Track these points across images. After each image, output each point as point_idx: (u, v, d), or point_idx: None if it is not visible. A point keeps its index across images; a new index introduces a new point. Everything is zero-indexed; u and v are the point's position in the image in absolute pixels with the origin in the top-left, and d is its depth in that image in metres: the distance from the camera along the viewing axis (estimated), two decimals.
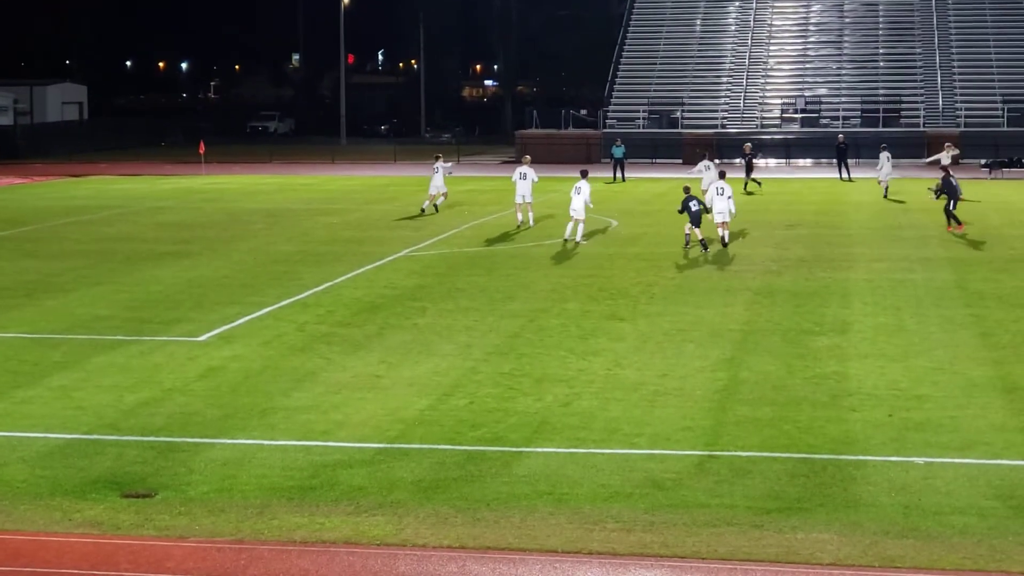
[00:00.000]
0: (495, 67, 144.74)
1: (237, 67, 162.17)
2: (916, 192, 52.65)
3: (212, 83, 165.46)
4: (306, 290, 29.15)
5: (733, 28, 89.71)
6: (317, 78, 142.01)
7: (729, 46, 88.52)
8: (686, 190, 35.98)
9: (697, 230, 35.19)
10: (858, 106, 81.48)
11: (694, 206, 34.98)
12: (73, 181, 67.79)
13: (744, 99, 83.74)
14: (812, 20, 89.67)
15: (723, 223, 35.81)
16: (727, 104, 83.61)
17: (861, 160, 69.42)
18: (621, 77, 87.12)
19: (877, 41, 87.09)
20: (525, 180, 42.04)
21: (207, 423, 17.74)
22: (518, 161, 53.76)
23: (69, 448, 16.52)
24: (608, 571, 12.50)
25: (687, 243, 35.94)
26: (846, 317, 25.52)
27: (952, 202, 40.13)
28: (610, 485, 14.93)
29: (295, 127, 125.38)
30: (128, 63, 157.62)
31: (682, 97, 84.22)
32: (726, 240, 35.94)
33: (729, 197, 35.94)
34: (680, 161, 75.91)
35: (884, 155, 54.31)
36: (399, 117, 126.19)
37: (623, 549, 13.00)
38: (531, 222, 41.94)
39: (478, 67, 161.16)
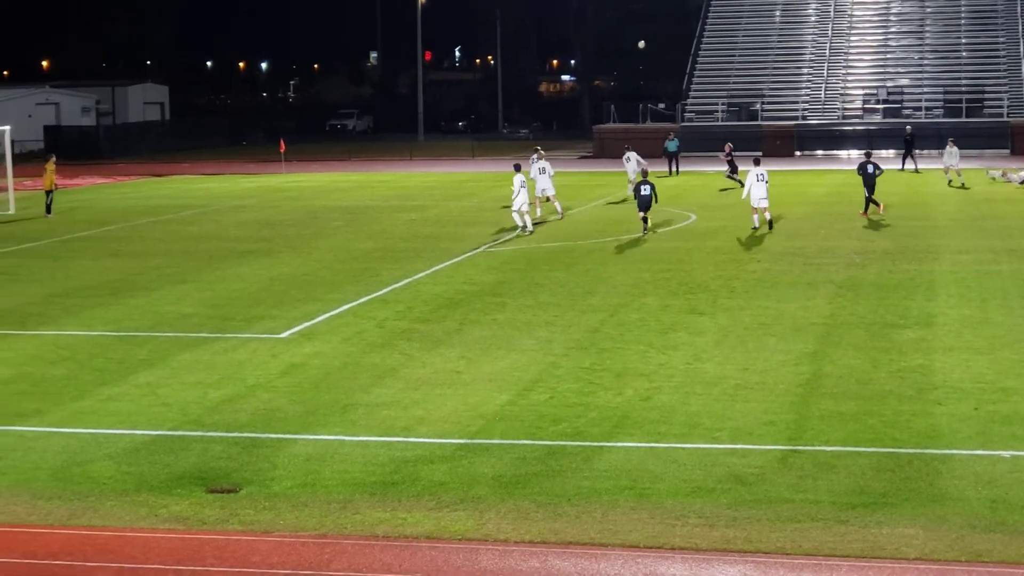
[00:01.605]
0: (572, 62, 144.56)
1: (316, 66, 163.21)
2: (993, 183, 51.95)
3: (292, 82, 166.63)
4: (385, 287, 29.27)
5: (813, 18, 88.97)
6: (395, 76, 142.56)
7: (809, 37, 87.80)
8: (643, 174, 39.64)
9: (643, 213, 37.89)
10: (940, 96, 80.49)
11: (645, 190, 37.68)
12: (156, 181, 68.53)
13: (825, 90, 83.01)
14: (893, 9, 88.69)
15: (764, 208, 38.09)
16: (808, 95, 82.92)
17: (932, 151, 68.53)
18: (699, 70, 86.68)
19: (959, 30, 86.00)
20: (544, 175, 43.33)
21: (290, 419, 17.86)
22: (594, 157, 53.83)
23: (155, 444, 16.70)
24: (691, 566, 12.43)
25: (645, 228, 38.00)
26: (931, 310, 25.21)
27: None
28: (692, 480, 14.85)
29: (373, 125, 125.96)
30: (208, 63, 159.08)
31: (762, 89, 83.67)
32: (758, 222, 38.29)
33: (767, 183, 38.03)
34: (760, 154, 75.32)
35: (952, 147, 54.90)
36: (476, 113, 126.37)
37: (705, 544, 12.92)
38: (560, 213, 43.26)
39: (555, 62, 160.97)
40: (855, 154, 76.20)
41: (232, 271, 32.34)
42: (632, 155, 50.97)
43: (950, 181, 54.14)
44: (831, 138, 78.26)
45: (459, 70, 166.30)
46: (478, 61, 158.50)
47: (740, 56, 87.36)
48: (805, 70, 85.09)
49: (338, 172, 71.78)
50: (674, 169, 64.00)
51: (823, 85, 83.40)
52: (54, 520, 13.91)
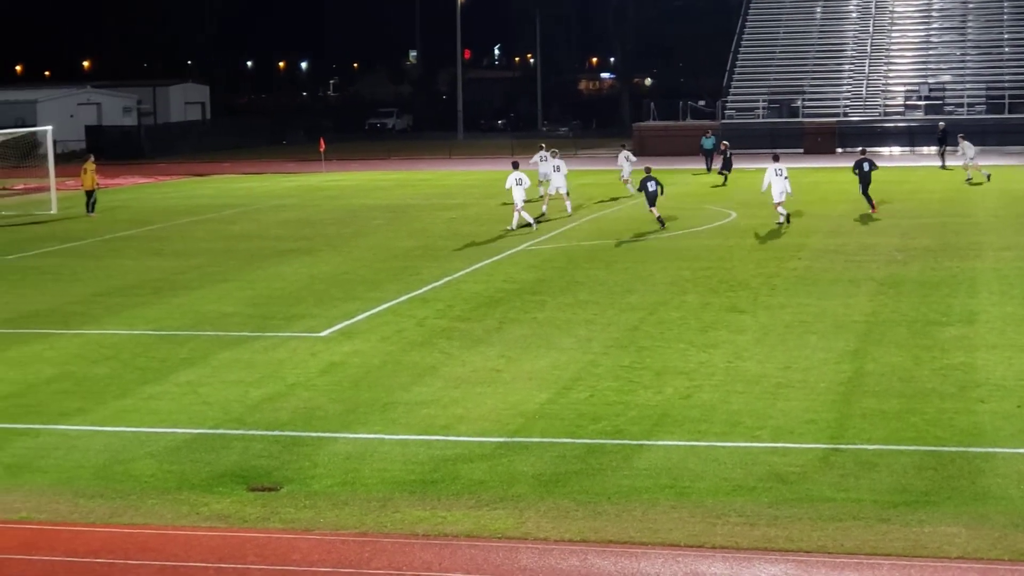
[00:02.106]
0: (612, 60, 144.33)
1: (355, 65, 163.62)
2: None
3: (331, 81, 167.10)
4: (425, 285, 29.30)
5: (854, 14, 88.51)
6: (434, 74, 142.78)
7: (850, 33, 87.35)
8: (647, 170, 40.09)
9: (653, 208, 38.97)
10: (983, 93, 79.93)
11: (651, 186, 38.58)
12: (197, 180, 68.85)
13: (866, 87, 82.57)
14: (935, 5, 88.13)
15: (780, 202, 39.08)
16: (849, 92, 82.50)
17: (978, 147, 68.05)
18: (740, 67, 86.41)
19: (1002, 25, 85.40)
20: (559, 172, 44.19)
21: (330, 417, 17.90)
22: (634, 154, 53.99)
23: (196, 443, 16.77)
24: (731, 565, 12.39)
25: (662, 225, 39.12)
26: (973, 307, 25.04)
27: None
28: (733, 479, 14.79)
29: (413, 123, 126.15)
30: (248, 63, 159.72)
31: (803, 86, 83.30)
32: (783, 217, 39.31)
33: (786, 178, 39.09)
34: (802, 151, 75.09)
35: (965, 143, 55.14)
36: (516, 112, 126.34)
37: (746, 543, 12.87)
38: (569, 210, 44.01)
39: (594, 60, 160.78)
40: (897, 151, 75.95)
41: (272, 270, 32.45)
42: (627, 153, 51.72)
43: (970, 179, 53.53)
44: (873, 135, 77.77)
45: (498, 68, 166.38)
46: (517, 59, 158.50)
47: (781, 52, 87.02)
48: (846, 66, 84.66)
49: (378, 171, 71.94)
50: (713, 167, 63.85)
51: (864, 82, 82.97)
52: (96, 518, 13.99)
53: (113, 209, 49.38)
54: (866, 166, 42.33)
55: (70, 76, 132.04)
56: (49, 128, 55.68)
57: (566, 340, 22.71)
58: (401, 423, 17.53)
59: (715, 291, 27.55)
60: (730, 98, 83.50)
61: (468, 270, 31.54)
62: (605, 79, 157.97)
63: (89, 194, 48.48)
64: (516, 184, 39.61)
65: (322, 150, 72.90)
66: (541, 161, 46.89)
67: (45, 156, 53.90)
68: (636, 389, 19.07)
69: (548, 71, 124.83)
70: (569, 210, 44.09)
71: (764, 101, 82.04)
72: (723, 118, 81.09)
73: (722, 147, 59.00)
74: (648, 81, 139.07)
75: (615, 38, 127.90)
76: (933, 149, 69.40)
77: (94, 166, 49.21)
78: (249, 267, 33.14)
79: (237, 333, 24.09)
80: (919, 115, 79.21)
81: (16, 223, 46.28)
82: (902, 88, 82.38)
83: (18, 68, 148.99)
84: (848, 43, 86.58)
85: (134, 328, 24.88)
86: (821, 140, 76.44)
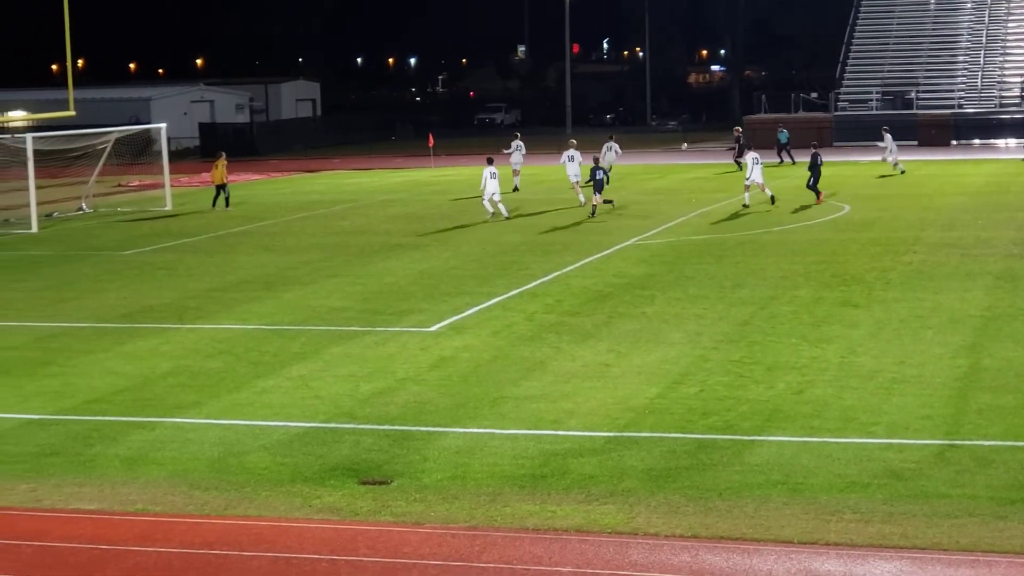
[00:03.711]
0: (722, 52, 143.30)
1: (464, 61, 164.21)
2: None
3: (440, 77, 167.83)
4: (534, 280, 29.31)
5: (969, 5, 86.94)
6: (543, 69, 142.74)
7: (965, 23, 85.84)
8: (595, 160, 43.09)
9: (597, 196, 41.77)
10: None
11: (598, 175, 41.74)
12: (307, 176, 69.49)
13: (981, 78, 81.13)
14: None
15: (756, 184, 43.06)
16: (964, 83, 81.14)
17: None
18: (853, 58, 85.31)
19: None
20: (573, 162, 46.65)
21: (440, 412, 17.96)
22: (745, 147, 53.62)
23: (308, 436, 16.91)
24: (846, 562, 12.23)
25: (593, 212, 41.78)
26: None
27: None
28: (846, 475, 14.61)
29: (521, 118, 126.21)
30: (358, 60, 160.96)
31: (917, 77, 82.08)
32: (746, 201, 42.99)
33: (759, 164, 43.44)
34: (916, 143, 74.01)
35: (887, 136, 57.53)
36: (624, 106, 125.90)
37: (861, 540, 12.71)
38: (581, 200, 45.45)
39: (704, 53, 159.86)
40: (1013, 143, 74.55)
41: (382, 265, 32.66)
42: (613, 145, 51.87)
43: (899, 170, 55.23)
44: (988, 127, 76.46)
45: (607, 62, 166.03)
46: (626, 53, 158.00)
47: (895, 43, 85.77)
48: (961, 57, 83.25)
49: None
50: (787, 160, 63.31)
51: (979, 73, 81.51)
52: (211, 510, 14.17)
53: (220, 205, 49.89)
54: (819, 159, 44.34)
55: (183, 74, 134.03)
56: (163, 125, 56.52)
57: (676, 335, 22.60)
58: (511, 417, 17.54)
59: (828, 285, 27.25)
60: (843, 90, 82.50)
61: (577, 265, 31.50)
62: (715, 72, 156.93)
63: (219, 189, 49.27)
64: (490, 178, 42.45)
65: (431, 145, 73.14)
66: (516, 151, 53.33)
67: (159, 153, 54.72)
68: (747, 384, 18.92)
69: (657, 64, 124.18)
70: (581, 199, 45.54)
71: (877, 93, 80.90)
72: (836, 110, 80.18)
73: (735, 133, 59.15)
74: (762, 73, 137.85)
75: (725, 30, 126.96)
76: None
77: (225, 162, 50.02)
78: (359, 262, 33.38)
79: (347, 328, 24.28)
80: None
81: (132, 219, 47.06)
82: (1018, 79, 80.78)
83: (132, 66, 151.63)
84: (963, 33, 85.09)
85: (247, 323, 25.17)
86: (935, 132, 75.28)
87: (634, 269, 30.54)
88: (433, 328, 23.99)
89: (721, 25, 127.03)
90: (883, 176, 54.15)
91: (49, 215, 47.95)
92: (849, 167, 61.53)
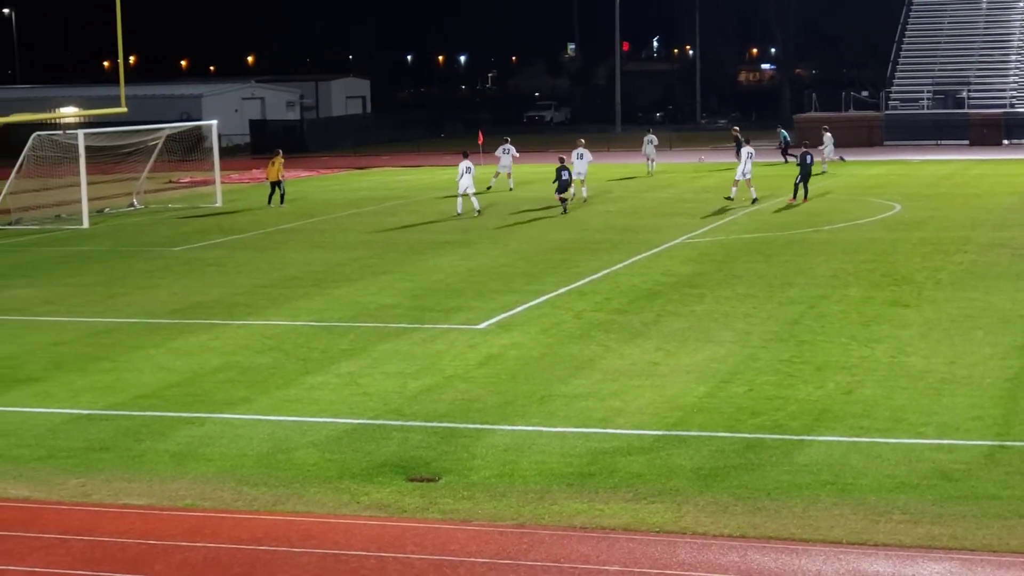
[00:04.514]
0: (772, 50, 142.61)
1: (514, 58, 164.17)
2: None
3: (490, 75, 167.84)
4: (583, 278, 29.29)
5: (1021, 3, 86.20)
6: (592, 67, 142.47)
7: (1017, 22, 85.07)
8: (560, 160, 44.39)
9: (559, 195, 43.44)
10: None
11: (564, 175, 43.24)
12: (357, 173, 69.70)
13: None
14: None
15: (748, 180, 44.61)
16: (1016, 82, 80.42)
17: None
18: (904, 57, 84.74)
19: None
20: (582, 160, 48.14)
21: (488, 409, 17.97)
22: (795, 146, 53.58)
23: (356, 433, 16.96)
24: (895, 563, 12.16)
25: (564, 209, 43.37)
26: None
27: None
28: (896, 475, 14.52)
29: (571, 116, 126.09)
30: (408, 57, 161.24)
31: (968, 76, 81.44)
32: (752, 196, 44.65)
33: (751, 158, 45.35)
34: (967, 142, 73.45)
35: (827, 136, 60.41)
36: (674, 104, 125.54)
37: (910, 541, 12.63)
38: (584, 196, 47.42)
39: (754, 51, 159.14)
40: None
41: (431, 262, 32.72)
42: (584, 152, 50.18)
43: (824, 171, 56.95)
44: None
45: (657, 60, 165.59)
46: (676, 51, 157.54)
47: (946, 42, 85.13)
48: (1013, 56, 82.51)
49: (535, 164, 72.02)
50: (790, 159, 63.49)
51: None
52: (259, 506, 14.23)
53: (275, 202, 50.11)
54: (808, 159, 45.06)
55: (235, 71, 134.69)
56: (214, 122, 56.85)
57: (724, 333, 22.53)
58: (559, 415, 17.54)
59: (878, 285, 27.09)
60: (893, 89, 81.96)
61: (626, 263, 31.45)
62: (765, 70, 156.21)
63: (273, 186, 49.55)
64: (466, 172, 43.69)
65: (480, 143, 73.19)
66: (503, 154, 53.90)
67: (210, 150, 55.05)
68: (796, 383, 18.84)
69: (707, 62, 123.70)
70: (584, 195, 47.55)
71: (928, 92, 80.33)
72: (886, 109, 79.67)
73: (732, 132, 59.74)
74: (812, 72, 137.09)
75: (776, 28, 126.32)
76: None
77: (282, 160, 50.36)
78: (408, 259, 33.45)
79: (396, 325, 24.33)
80: None
81: (182, 215, 47.35)
82: None
83: (184, 63, 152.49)
84: (1015, 32, 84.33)
85: (296, 319, 25.27)
86: (987, 132, 74.67)
87: (683, 267, 30.46)
88: (482, 325, 24.01)
89: (772, 23, 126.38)
90: (940, 177, 53.69)
91: (101, 211, 48.34)
92: (900, 166, 61.16)
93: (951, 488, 14.05)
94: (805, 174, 44.61)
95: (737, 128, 65.02)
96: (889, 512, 13.40)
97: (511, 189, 53.05)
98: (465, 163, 44.03)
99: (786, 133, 66.74)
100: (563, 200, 43.69)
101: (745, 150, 45.89)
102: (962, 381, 18.68)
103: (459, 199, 44.21)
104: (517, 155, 55.34)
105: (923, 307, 24.54)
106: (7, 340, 23.89)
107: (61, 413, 18.45)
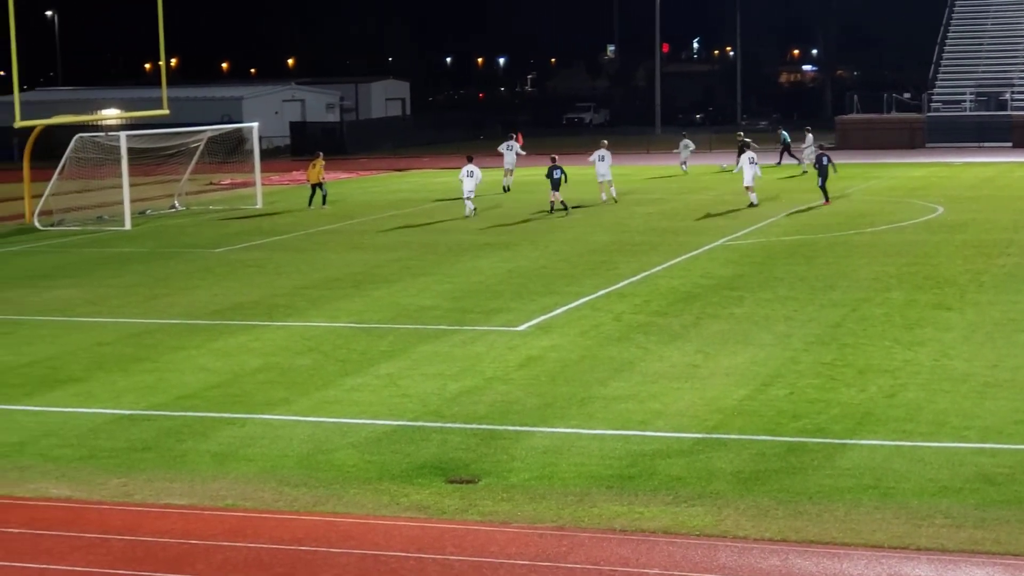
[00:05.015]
0: (814, 52, 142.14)
1: (552, 60, 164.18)
2: None
3: (528, 76, 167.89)
4: (622, 280, 29.23)
5: None
6: (632, 68, 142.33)
7: None
8: (552, 159, 45.01)
9: (555, 193, 44.27)
10: None
11: (556, 174, 44.00)
12: (397, 175, 69.81)
13: None
14: None
15: (749, 187, 44.77)
16: None
17: None
18: (946, 58, 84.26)
19: None
20: (604, 162, 48.34)
21: (527, 411, 17.95)
22: (837, 148, 53.41)
23: (396, 434, 16.97)
24: (937, 568, 12.06)
25: (551, 208, 44.41)
26: None
27: None
28: (938, 479, 14.41)
29: (610, 118, 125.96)
30: (447, 59, 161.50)
31: (1011, 78, 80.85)
32: (754, 202, 44.67)
33: (755, 164, 45.36)
34: (1010, 144, 72.95)
35: (809, 136, 61.35)
36: (714, 105, 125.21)
37: (952, 546, 12.53)
38: (614, 195, 48.15)
39: (795, 52, 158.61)
40: None
41: (471, 264, 32.72)
42: (605, 153, 49.94)
43: (804, 172, 58.28)
44: None
45: (697, 61, 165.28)
46: (716, 52, 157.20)
47: (989, 44, 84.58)
48: None
49: (574, 165, 71.94)
50: (794, 160, 63.60)
51: None
52: (300, 507, 14.25)
53: (316, 203, 50.27)
54: (824, 160, 45.12)
55: (275, 74, 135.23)
56: (255, 124, 57.06)
57: (765, 336, 22.43)
58: (598, 418, 17.50)
59: (920, 288, 26.93)
60: (936, 90, 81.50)
61: (665, 265, 31.38)
62: (807, 71, 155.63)
63: (314, 188, 49.76)
64: (467, 176, 44.43)
65: (520, 144, 73.19)
66: (507, 151, 55.44)
67: (251, 152, 55.27)
68: (838, 387, 18.73)
69: (748, 64, 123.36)
70: (614, 196, 48.17)
71: (971, 93, 79.82)
72: (929, 111, 79.22)
73: (737, 138, 59.97)
74: (854, 73, 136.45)
75: (817, 29, 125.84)
76: None
77: (323, 163, 50.62)
78: (447, 261, 33.47)
79: (436, 326, 24.34)
80: None
81: (223, 217, 47.53)
82: None
83: (224, 66, 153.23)
84: None
85: (336, 320, 25.32)
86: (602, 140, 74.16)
87: (722, 270, 30.36)
88: (521, 327, 23.99)
89: (813, 24, 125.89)
90: (983, 179, 53.36)
91: (142, 212, 48.59)
92: (942, 168, 60.80)
93: (994, 492, 13.93)
94: (824, 176, 44.92)
95: (741, 134, 65.15)
96: (932, 516, 13.30)
97: (506, 189, 54.20)
98: (467, 167, 44.82)
99: (786, 134, 66.81)
100: (561, 202, 44.38)
101: (745, 156, 46.01)
102: (1005, 384, 18.53)
103: (466, 202, 44.78)
104: (522, 152, 56.06)
105: (966, 310, 24.37)
106: (50, 340, 24.05)
107: (103, 413, 18.55)
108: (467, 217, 44.00)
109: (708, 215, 42.62)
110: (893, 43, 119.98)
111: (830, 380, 19.13)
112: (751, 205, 44.39)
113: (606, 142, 50.54)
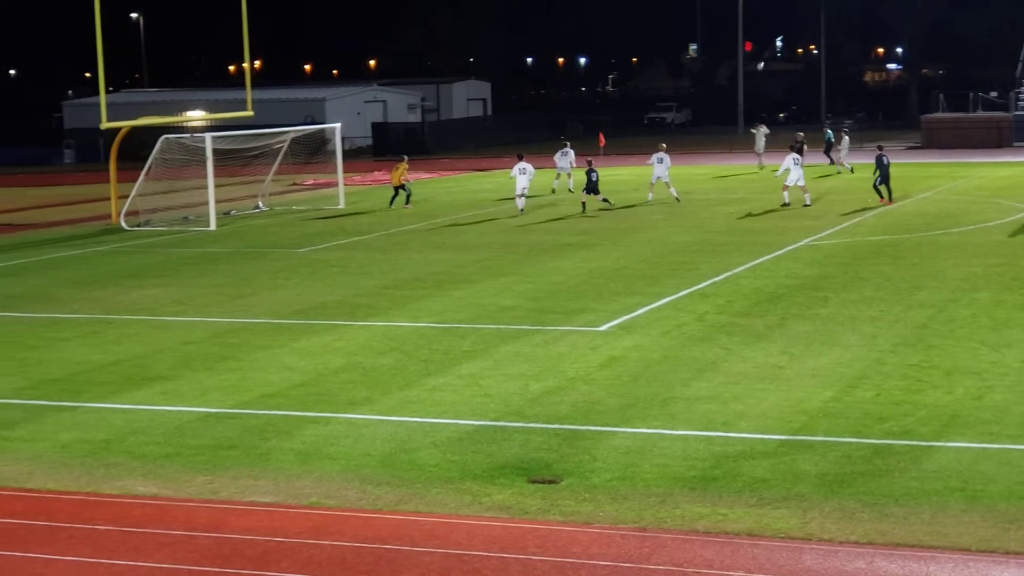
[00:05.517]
0: (899, 50, 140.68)
1: (634, 60, 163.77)
2: None
3: (610, 76, 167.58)
4: (705, 280, 29.09)
5: None
6: (714, 68, 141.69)
7: None
8: (589, 162, 46.23)
9: (591, 195, 45.17)
10: None
11: (593, 176, 45.14)
12: (478, 175, 69.94)
13: None
14: None
15: (799, 186, 44.98)
16: None
17: None
18: None
19: None
20: (663, 164, 48.87)
21: (609, 412, 17.90)
22: (922, 147, 52.91)
23: (478, 434, 16.99)
24: None
25: (583, 209, 45.32)
26: None
27: None
28: None
29: (692, 117, 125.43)
30: (529, 60, 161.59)
31: None
32: (786, 201, 45.04)
33: (799, 165, 45.35)
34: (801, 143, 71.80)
35: (845, 139, 62.19)
36: (798, 104, 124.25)
37: None
38: (675, 195, 48.23)
39: (880, 51, 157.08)
40: None
41: (552, 264, 32.70)
42: (663, 156, 49.84)
43: (839, 172, 58.87)
44: None
45: (780, 60, 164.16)
46: (800, 51, 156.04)
47: None
48: None
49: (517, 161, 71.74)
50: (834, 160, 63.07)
51: None
52: (383, 505, 14.31)
53: (398, 204, 50.52)
54: (885, 160, 45.36)
55: (357, 75, 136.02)
56: (337, 125, 57.40)
57: (851, 337, 22.22)
58: (681, 418, 17.42)
59: (1009, 288, 26.56)
60: (1023, 89, 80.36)
61: (748, 265, 31.18)
62: (891, 70, 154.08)
63: (396, 190, 50.09)
64: (520, 173, 45.87)
65: (601, 145, 73.08)
66: (561, 157, 55.50)
67: (333, 152, 55.59)
68: (925, 389, 18.51)
69: (832, 62, 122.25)
70: (675, 195, 48.42)
71: None
72: (1016, 110, 78.13)
73: (798, 139, 59.33)
74: (939, 72, 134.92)
75: (902, 28, 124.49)
76: None
77: (407, 166, 51.06)
78: (528, 261, 33.48)
79: (517, 327, 24.34)
80: None
81: (306, 217, 47.87)
82: None
83: (307, 67, 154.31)
84: None
85: (418, 320, 25.40)
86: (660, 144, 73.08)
87: (807, 270, 30.12)
88: (603, 328, 23.94)
89: (897, 23, 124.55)
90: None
91: (227, 213, 49.05)
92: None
93: None
94: (884, 175, 45.00)
95: (801, 135, 64.19)
96: (1020, 519, 13.10)
97: (571, 191, 53.63)
98: (518, 165, 46.12)
99: (831, 133, 66.31)
100: (604, 200, 45.67)
101: (789, 157, 45.88)
102: None
103: (518, 199, 45.98)
104: (574, 162, 55.89)
105: None
106: (138, 339, 24.33)
107: (189, 411, 18.73)
108: (520, 214, 45.06)
109: (792, 215, 42.29)
110: (979, 41, 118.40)
111: (916, 382, 18.91)
112: (783, 205, 44.76)
113: (664, 145, 51.19)
